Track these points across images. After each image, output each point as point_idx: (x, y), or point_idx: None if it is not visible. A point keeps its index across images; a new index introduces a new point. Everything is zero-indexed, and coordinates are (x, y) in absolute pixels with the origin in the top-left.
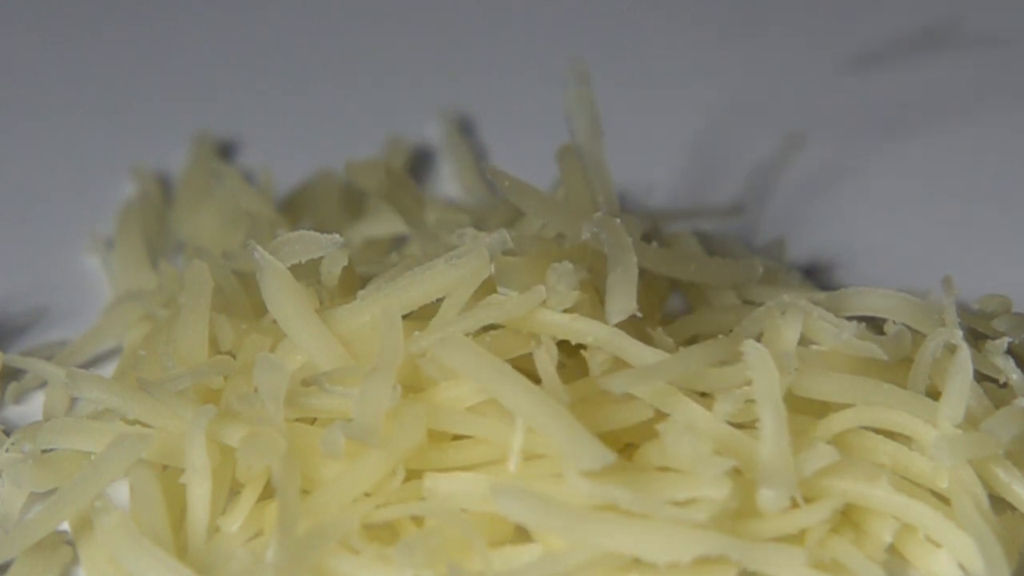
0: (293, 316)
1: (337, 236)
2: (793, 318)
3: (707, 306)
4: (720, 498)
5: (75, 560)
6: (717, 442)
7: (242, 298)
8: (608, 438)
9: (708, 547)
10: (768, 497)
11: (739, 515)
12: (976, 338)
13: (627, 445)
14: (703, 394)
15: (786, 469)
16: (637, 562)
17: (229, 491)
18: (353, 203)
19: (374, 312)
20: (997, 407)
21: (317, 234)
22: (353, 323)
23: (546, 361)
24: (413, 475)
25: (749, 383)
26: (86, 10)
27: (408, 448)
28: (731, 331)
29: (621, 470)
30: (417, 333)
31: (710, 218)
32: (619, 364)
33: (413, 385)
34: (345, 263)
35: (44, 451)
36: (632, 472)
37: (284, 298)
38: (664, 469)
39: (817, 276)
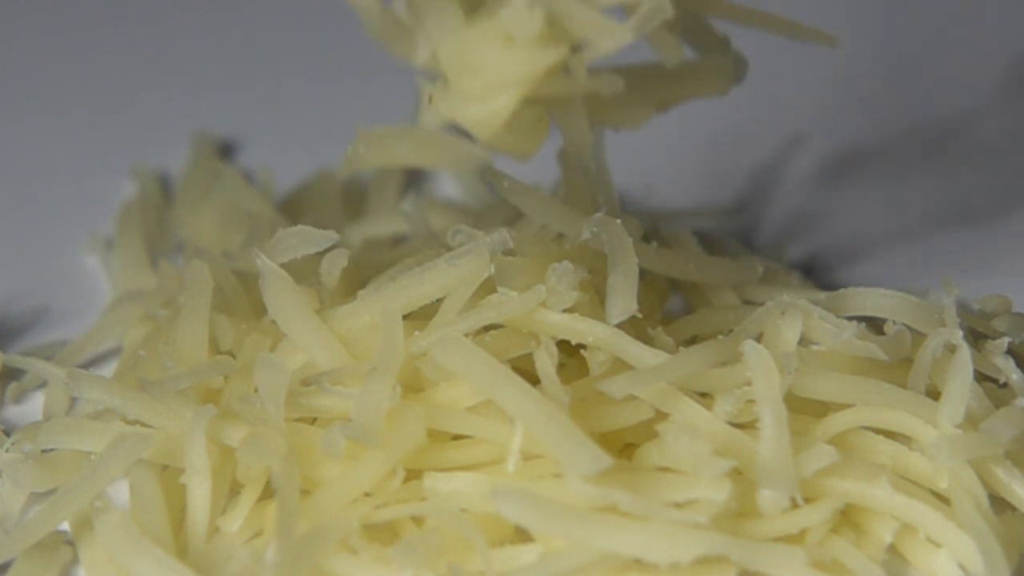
0: (294, 319)
1: (333, 232)
2: (793, 318)
3: (707, 306)
4: (720, 499)
5: (75, 560)
6: (717, 442)
7: (242, 298)
8: (609, 438)
9: (708, 547)
10: (768, 497)
11: (739, 515)
12: (976, 338)
13: (627, 445)
14: (703, 394)
15: (786, 469)
16: (637, 562)
17: (229, 491)
18: (353, 203)
19: (374, 312)
20: (997, 407)
21: (314, 230)
22: (353, 323)
23: (546, 361)
24: (413, 475)
25: (749, 383)
26: (86, 10)
27: (408, 448)
28: (731, 331)
29: (621, 471)
30: (417, 333)
31: (710, 218)
32: (619, 364)
33: (413, 385)
34: (345, 263)
35: (44, 451)
36: (632, 473)
37: (285, 301)
38: (664, 469)
39: (817, 276)
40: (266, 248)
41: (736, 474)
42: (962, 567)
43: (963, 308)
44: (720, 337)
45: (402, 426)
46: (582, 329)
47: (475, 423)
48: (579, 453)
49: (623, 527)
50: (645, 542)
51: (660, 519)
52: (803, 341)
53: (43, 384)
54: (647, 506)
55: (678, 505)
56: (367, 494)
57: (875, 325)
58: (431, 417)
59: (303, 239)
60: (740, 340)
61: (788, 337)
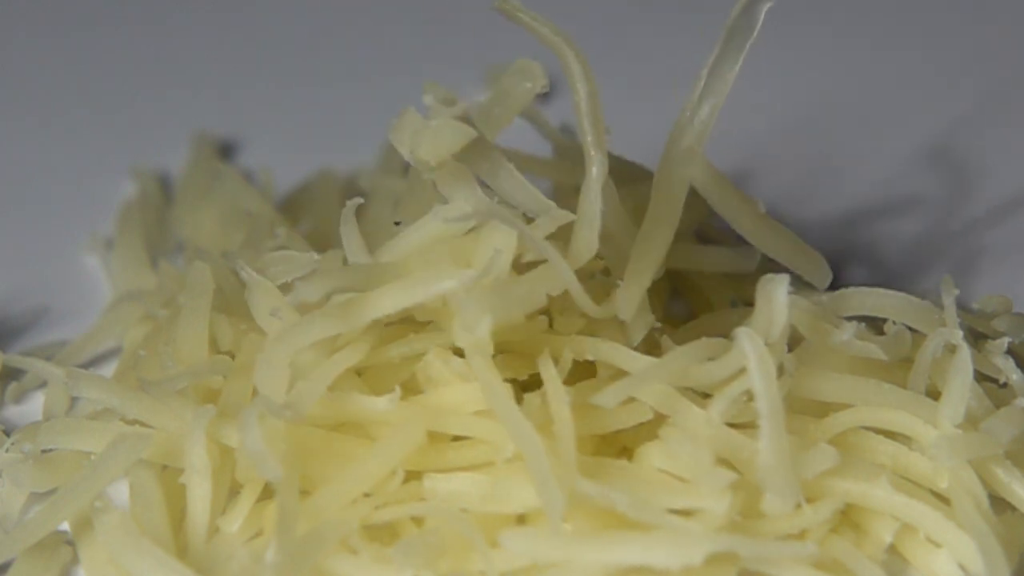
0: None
1: (314, 255)
2: (779, 286)
3: (710, 311)
4: (720, 511)
5: (75, 560)
6: (717, 444)
7: (242, 298)
8: (608, 439)
9: (716, 546)
10: (773, 501)
11: (740, 516)
12: (976, 338)
13: (625, 448)
14: (706, 395)
15: (787, 473)
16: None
17: (229, 491)
18: None
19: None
20: (997, 407)
21: (296, 254)
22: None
23: (550, 367)
24: (413, 476)
25: (743, 372)
26: (86, 10)
27: (407, 449)
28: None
29: (621, 472)
30: (413, 335)
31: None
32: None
33: (413, 388)
34: (341, 264)
35: (44, 451)
36: (632, 475)
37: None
38: (664, 471)
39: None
40: (255, 267)
41: (736, 472)
42: (962, 567)
43: (963, 308)
44: (711, 339)
45: (401, 427)
46: (584, 349)
47: (475, 424)
48: (551, 495)
49: (627, 540)
50: (652, 550)
51: (660, 526)
52: (804, 341)
53: (43, 384)
54: (647, 511)
55: (677, 512)
56: (367, 495)
57: (875, 325)
58: (430, 419)
59: (287, 263)
60: (730, 340)
61: (777, 305)
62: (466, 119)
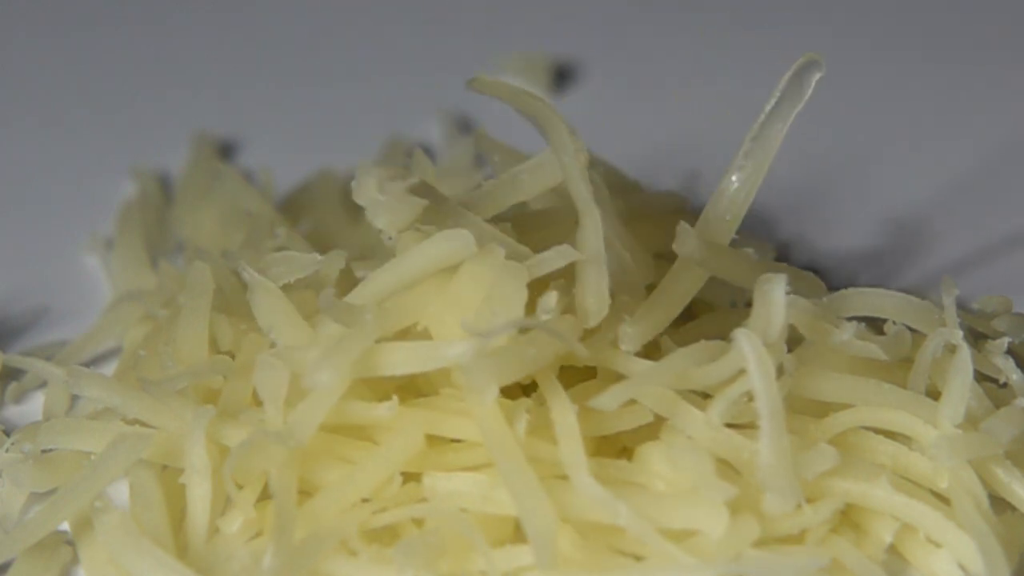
0: (284, 328)
1: (316, 256)
2: (776, 293)
3: (709, 311)
4: (717, 533)
5: (75, 560)
6: (716, 444)
7: (242, 298)
8: (609, 439)
9: (721, 570)
10: (773, 502)
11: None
12: (976, 338)
13: (624, 448)
14: (706, 396)
15: (788, 473)
16: None
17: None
18: (353, 203)
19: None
20: (997, 407)
21: (298, 254)
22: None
23: (554, 382)
24: (412, 477)
25: (743, 372)
26: (86, 10)
27: (407, 454)
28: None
29: (622, 473)
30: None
31: None
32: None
33: (411, 390)
34: (343, 265)
35: (44, 451)
36: (634, 478)
37: (274, 311)
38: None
39: (817, 276)
40: (256, 268)
41: (735, 475)
42: (962, 567)
43: (963, 308)
44: (708, 341)
45: (401, 432)
46: (582, 354)
47: (475, 428)
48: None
49: (632, 571)
50: None
51: (657, 549)
52: (804, 341)
53: (43, 384)
54: (645, 531)
55: (675, 533)
56: (365, 500)
57: (875, 325)
58: (430, 422)
59: (289, 264)
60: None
61: (775, 306)
62: (423, 185)
